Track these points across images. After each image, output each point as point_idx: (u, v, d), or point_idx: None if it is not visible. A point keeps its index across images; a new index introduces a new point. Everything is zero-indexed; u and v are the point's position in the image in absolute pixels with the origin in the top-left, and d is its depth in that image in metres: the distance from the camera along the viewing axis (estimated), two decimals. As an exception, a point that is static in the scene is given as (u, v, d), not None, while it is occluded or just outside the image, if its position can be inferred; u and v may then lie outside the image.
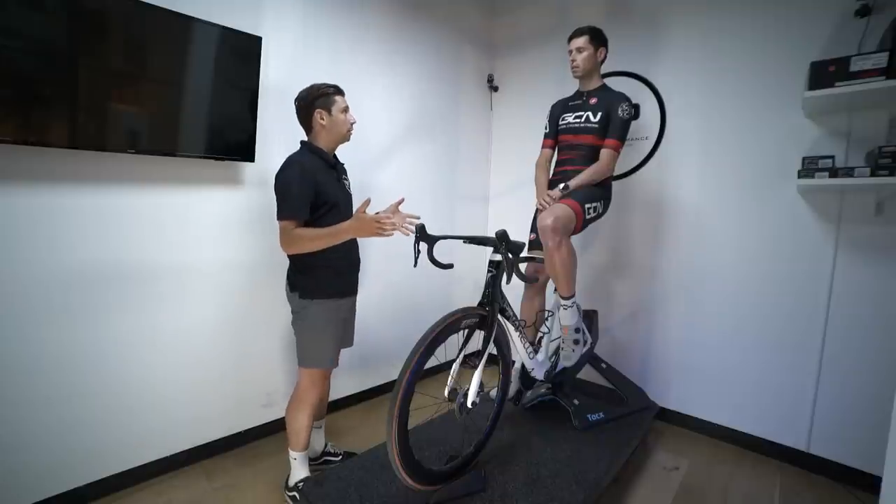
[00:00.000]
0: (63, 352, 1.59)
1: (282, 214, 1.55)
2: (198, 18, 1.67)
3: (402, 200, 1.70)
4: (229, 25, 1.77)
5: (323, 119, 1.66)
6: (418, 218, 1.65)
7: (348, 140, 1.75)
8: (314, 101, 1.66)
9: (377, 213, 1.57)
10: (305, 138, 1.72)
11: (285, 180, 1.56)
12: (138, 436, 1.79)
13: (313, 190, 1.57)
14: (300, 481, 1.66)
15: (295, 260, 1.68)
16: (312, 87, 1.67)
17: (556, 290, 1.98)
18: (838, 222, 1.94)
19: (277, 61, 2.05)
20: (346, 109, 1.70)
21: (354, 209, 1.81)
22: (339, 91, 1.70)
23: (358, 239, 1.68)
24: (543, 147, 2.17)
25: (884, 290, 1.85)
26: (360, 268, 1.84)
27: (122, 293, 1.71)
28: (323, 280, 1.66)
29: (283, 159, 1.63)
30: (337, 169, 1.75)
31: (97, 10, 1.47)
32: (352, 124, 1.72)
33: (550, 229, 1.74)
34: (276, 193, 1.57)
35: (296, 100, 1.68)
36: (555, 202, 1.86)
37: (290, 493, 1.69)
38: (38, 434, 1.56)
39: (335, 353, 1.72)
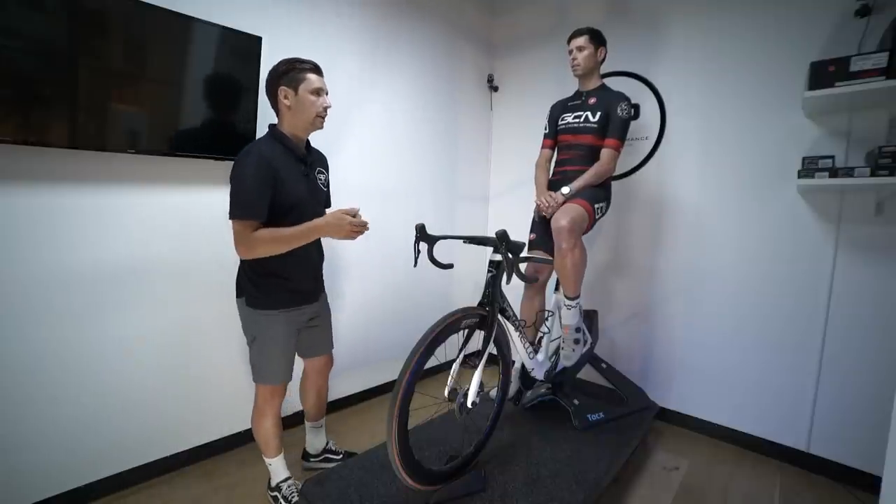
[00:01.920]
0: (63, 352, 1.59)
1: (234, 214, 1.34)
2: (198, 18, 1.67)
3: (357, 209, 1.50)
4: (229, 25, 1.77)
5: (287, 98, 1.44)
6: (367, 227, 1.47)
7: (320, 128, 1.54)
8: (280, 77, 1.44)
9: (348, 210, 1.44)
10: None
11: (239, 174, 1.35)
12: (138, 436, 1.79)
13: (272, 186, 1.37)
14: (282, 481, 1.67)
15: (245, 264, 1.50)
16: (282, 60, 1.45)
17: (556, 290, 1.98)
18: (838, 222, 1.94)
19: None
20: (318, 91, 1.46)
21: (333, 208, 1.56)
22: (314, 69, 1.47)
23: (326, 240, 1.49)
24: (543, 147, 2.17)
25: (884, 290, 1.85)
26: (328, 269, 1.69)
27: (123, 293, 1.70)
28: (273, 289, 1.49)
29: None
30: (306, 162, 1.53)
31: (97, 10, 1.47)
32: (324, 108, 1.49)
33: (567, 230, 1.72)
34: (231, 189, 1.35)
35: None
36: (556, 203, 1.85)
37: (272, 493, 1.69)
38: (38, 434, 1.56)
39: (285, 368, 1.57)
